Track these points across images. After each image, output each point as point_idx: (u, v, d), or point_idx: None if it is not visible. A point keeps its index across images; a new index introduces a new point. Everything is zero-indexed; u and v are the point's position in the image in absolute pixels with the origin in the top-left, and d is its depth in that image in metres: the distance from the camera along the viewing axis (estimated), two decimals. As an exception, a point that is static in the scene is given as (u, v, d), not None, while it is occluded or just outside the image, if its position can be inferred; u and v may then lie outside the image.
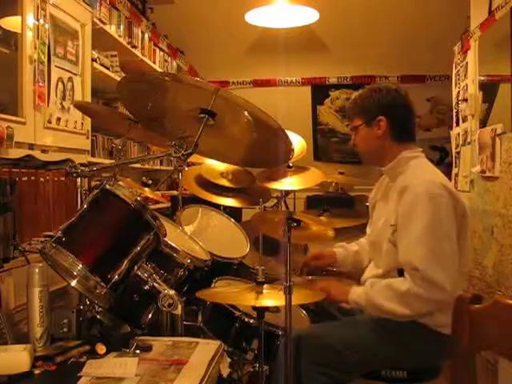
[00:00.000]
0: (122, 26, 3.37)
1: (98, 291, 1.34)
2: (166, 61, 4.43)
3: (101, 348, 1.38)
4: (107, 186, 1.44)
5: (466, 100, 3.22)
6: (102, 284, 1.34)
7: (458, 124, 3.46)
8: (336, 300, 1.76)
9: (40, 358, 1.34)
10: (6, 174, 1.79)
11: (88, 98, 2.58)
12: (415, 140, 1.85)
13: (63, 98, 2.32)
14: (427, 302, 1.59)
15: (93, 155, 3.04)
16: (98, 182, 1.52)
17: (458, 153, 3.41)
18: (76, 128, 2.44)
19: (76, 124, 2.43)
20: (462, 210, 1.69)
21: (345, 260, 2.10)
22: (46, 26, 2.14)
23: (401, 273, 1.71)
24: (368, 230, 2.07)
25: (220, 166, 2.66)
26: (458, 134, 3.43)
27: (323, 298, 1.73)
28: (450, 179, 3.16)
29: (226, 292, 1.75)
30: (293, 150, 1.72)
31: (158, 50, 4.21)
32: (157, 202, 3.28)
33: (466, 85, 3.24)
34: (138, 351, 1.37)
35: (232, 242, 2.28)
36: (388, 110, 1.79)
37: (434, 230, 1.60)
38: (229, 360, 1.49)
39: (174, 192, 3.71)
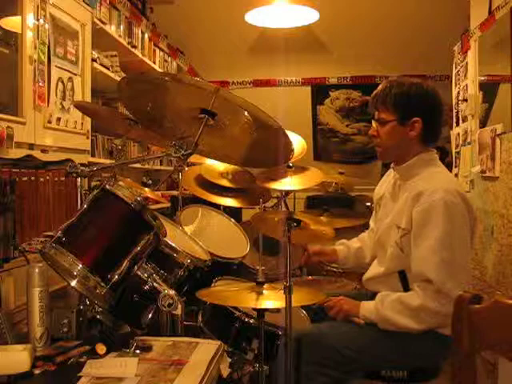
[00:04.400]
0: (122, 26, 3.37)
1: (97, 291, 1.34)
2: (165, 61, 4.43)
3: (101, 348, 1.38)
4: (107, 186, 1.44)
5: (466, 100, 3.22)
6: (102, 284, 1.34)
7: (458, 124, 3.46)
8: (348, 313, 1.73)
9: (40, 358, 1.34)
10: (6, 174, 1.79)
11: (88, 98, 2.58)
12: (437, 143, 1.81)
13: (63, 98, 2.32)
14: (440, 315, 1.57)
15: (93, 155, 3.04)
16: (98, 182, 1.52)
17: (458, 153, 3.41)
18: (76, 128, 2.43)
19: (76, 124, 2.43)
20: (473, 217, 1.69)
21: (347, 258, 2.09)
22: (46, 26, 2.14)
23: (402, 275, 1.71)
24: (371, 223, 2.06)
25: (220, 166, 2.66)
26: (458, 133, 3.43)
27: (334, 312, 1.74)
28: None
29: (226, 292, 1.75)
30: (293, 150, 1.72)
31: (157, 50, 4.21)
32: (157, 202, 3.27)
33: (466, 85, 3.24)
34: (138, 351, 1.37)
35: (232, 242, 2.28)
36: (425, 112, 1.73)
37: (448, 240, 1.58)
38: (229, 360, 1.49)
39: (174, 192, 3.70)
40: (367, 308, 1.69)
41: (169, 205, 3.56)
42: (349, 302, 1.77)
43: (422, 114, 1.72)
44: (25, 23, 2.00)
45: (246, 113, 1.54)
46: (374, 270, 1.86)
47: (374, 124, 1.80)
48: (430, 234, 1.60)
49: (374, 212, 2.02)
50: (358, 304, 1.72)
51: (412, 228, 1.65)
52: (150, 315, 1.51)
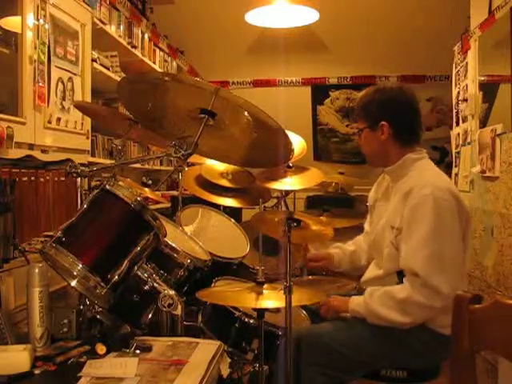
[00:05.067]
0: (122, 26, 3.37)
1: (98, 291, 1.34)
2: (165, 61, 4.43)
3: (101, 348, 1.38)
4: (107, 186, 1.44)
5: (466, 100, 3.22)
6: (102, 284, 1.34)
7: (458, 124, 3.46)
8: (337, 309, 1.74)
9: (40, 358, 1.35)
10: (6, 174, 1.79)
11: (88, 98, 2.58)
12: (420, 141, 1.81)
13: (63, 98, 2.32)
14: (426, 309, 1.58)
15: (93, 155, 3.04)
16: (98, 182, 1.52)
17: (458, 153, 3.41)
18: (76, 128, 2.43)
19: (76, 124, 2.43)
20: (466, 214, 1.69)
21: (341, 261, 2.10)
22: (46, 26, 2.14)
23: (400, 275, 1.71)
24: (366, 226, 2.07)
25: (220, 166, 2.66)
26: (458, 133, 3.43)
27: (324, 310, 1.75)
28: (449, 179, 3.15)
29: (226, 292, 1.75)
30: (293, 150, 1.72)
31: (157, 50, 4.21)
32: (157, 202, 3.28)
33: (466, 85, 3.24)
34: (137, 351, 1.37)
35: (232, 242, 2.27)
36: (391, 114, 1.76)
37: (436, 234, 1.59)
38: (229, 360, 1.49)
39: (174, 192, 3.71)
40: (357, 302, 1.69)
41: (169, 205, 3.56)
42: (338, 298, 1.77)
43: (387, 116, 1.76)
44: (25, 23, 2.01)
45: (246, 113, 1.54)
46: (372, 272, 1.86)
47: (357, 135, 1.90)
48: (418, 228, 1.60)
49: (368, 215, 2.03)
50: (348, 300, 1.72)
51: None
52: (149, 315, 1.51)
